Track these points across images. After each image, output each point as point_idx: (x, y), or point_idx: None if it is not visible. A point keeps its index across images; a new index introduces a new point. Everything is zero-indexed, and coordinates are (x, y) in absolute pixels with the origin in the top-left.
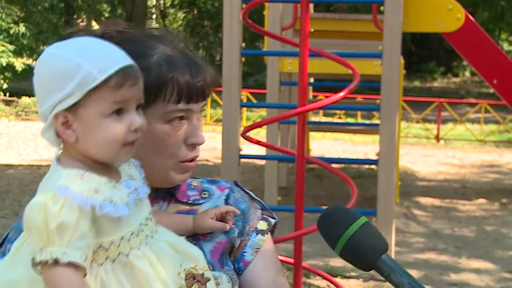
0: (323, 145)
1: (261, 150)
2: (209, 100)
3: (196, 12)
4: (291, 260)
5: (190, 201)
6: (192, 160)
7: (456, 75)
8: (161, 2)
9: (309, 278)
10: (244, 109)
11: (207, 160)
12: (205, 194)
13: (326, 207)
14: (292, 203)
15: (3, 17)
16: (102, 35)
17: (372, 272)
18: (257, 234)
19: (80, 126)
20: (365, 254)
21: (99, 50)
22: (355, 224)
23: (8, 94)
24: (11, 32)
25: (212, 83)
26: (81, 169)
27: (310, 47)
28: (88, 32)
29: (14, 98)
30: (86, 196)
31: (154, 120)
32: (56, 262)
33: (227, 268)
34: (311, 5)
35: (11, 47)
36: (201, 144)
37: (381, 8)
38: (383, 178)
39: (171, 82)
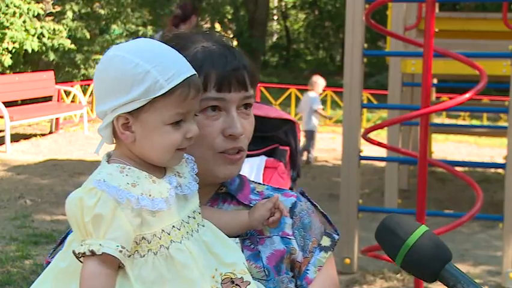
0: (446, 147)
1: (381, 152)
2: (328, 101)
3: (317, 13)
4: None
5: (251, 205)
6: (234, 152)
7: None
8: (283, 3)
9: (430, 284)
10: (364, 110)
11: (326, 161)
12: None
13: (387, 216)
14: (413, 206)
15: (134, 20)
16: (163, 37)
17: (499, 279)
18: (320, 251)
19: (140, 130)
20: (428, 264)
21: (167, 58)
22: (415, 233)
23: None
24: (140, 34)
25: (251, 74)
26: (123, 164)
27: (435, 47)
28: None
29: None
30: (123, 189)
31: None
32: (92, 254)
33: (284, 276)
34: (436, 4)
35: None
36: (239, 135)
37: None
38: (511, 182)
39: (202, 71)
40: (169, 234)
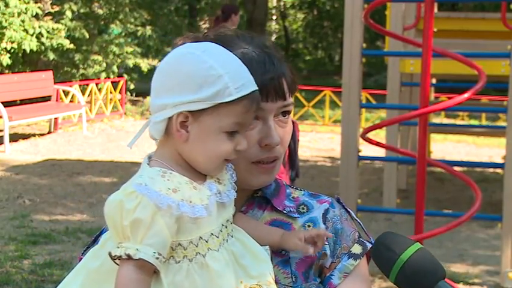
0: (445, 147)
1: (380, 152)
2: (327, 101)
3: (316, 13)
4: None
5: (285, 211)
6: (269, 162)
7: None
8: (282, 3)
9: None
10: (363, 110)
11: (324, 161)
12: (303, 208)
13: (383, 233)
14: (411, 205)
15: (132, 20)
16: (204, 37)
17: (497, 279)
18: (349, 258)
19: (196, 131)
20: (421, 281)
21: (240, 67)
22: (409, 249)
23: (134, 94)
24: (138, 34)
25: (290, 82)
26: (165, 168)
27: (434, 47)
28: (193, 37)
29: (140, 98)
30: (164, 194)
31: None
32: (129, 258)
33: (311, 283)
34: (435, 4)
35: (139, 49)
36: (275, 145)
37: (511, 6)
38: (509, 182)
39: None
40: (207, 241)
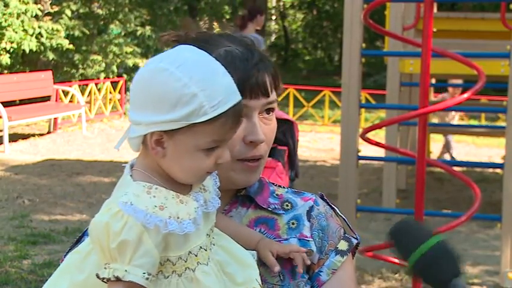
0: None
1: (379, 152)
2: (327, 101)
3: (315, 13)
4: None
5: (270, 209)
6: (253, 160)
7: None
8: (281, 3)
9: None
10: (363, 110)
11: (324, 161)
12: (287, 205)
13: (401, 221)
14: (411, 206)
15: (132, 20)
16: (185, 36)
17: (497, 279)
18: (336, 254)
19: (172, 149)
20: (437, 272)
21: (217, 82)
22: (433, 238)
23: None
24: (138, 34)
25: (274, 79)
26: (150, 182)
27: (433, 47)
28: (174, 35)
29: None
30: (151, 213)
31: None
32: (118, 279)
33: (299, 280)
34: (435, 4)
35: (138, 49)
36: (260, 142)
37: (511, 6)
38: (509, 182)
39: None
40: (196, 255)
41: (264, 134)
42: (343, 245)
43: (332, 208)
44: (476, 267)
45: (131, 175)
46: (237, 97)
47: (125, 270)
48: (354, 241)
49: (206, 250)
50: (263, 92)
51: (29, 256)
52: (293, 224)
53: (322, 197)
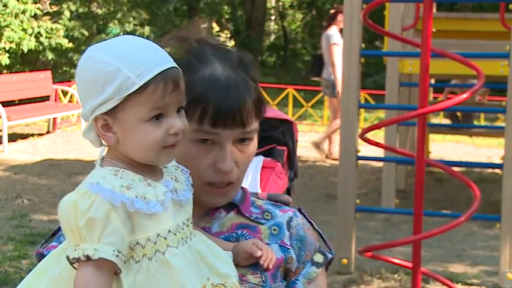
0: (443, 148)
1: (378, 152)
2: (326, 101)
3: (314, 13)
4: (410, 265)
5: (252, 218)
6: (222, 186)
7: None
8: (280, 3)
9: (428, 284)
10: (362, 110)
11: (323, 161)
12: (267, 215)
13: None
14: (410, 206)
15: (131, 20)
16: (184, 41)
17: (496, 279)
18: (312, 265)
19: (120, 129)
20: None
21: (139, 53)
22: None
23: None
24: (137, 34)
25: (256, 108)
26: (117, 167)
27: (432, 47)
28: (175, 37)
29: None
30: (117, 191)
31: (185, 138)
32: (88, 259)
33: (280, 284)
34: (434, 5)
35: None
36: (227, 172)
37: (510, 6)
38: (508, 182)
39: (202, 101)
40: (165, 238)
41: (237, 161)
42: (319, 258)
43: (310, 222)
44: (475, 268)
45: (100, 164)
46: (167, 64)
47: (95, 249)
48: (329, 255)
49: (176, 234)
50: (238, 124)
51: (28, 256)
52: (275, 230)
53: (300, 210)
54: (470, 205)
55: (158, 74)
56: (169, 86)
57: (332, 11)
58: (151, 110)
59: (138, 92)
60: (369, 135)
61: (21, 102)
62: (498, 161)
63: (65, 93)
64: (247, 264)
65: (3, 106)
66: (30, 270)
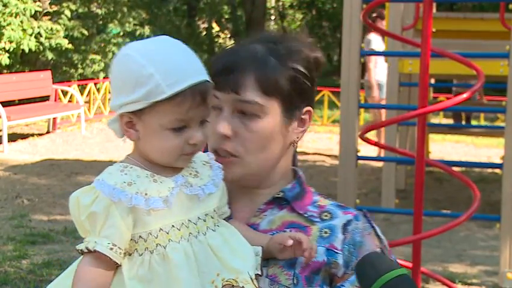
0: (443, 148)
1: (379, 152)
2: (326, 101)
3: (314, 12)
4: (409, 264)
5: (306, 215)
6: (225, 156)
7: None
8: (280, 3)
9: (427, 283)
10: (362, 110)
11: (323, 161)
12: (326, 215)
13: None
14: (410, 206)
15: (131, 19)
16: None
17: (496, 279)
18: None
19: (143, 129)
20: None
21: (174, 61)
22: (394, 271)
23: None
24: (137, 34)
25: (261, 81)
26: (130, 162)
27: (432, 47)
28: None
29: None
30: (118, 188)
31: None
32: (89, 251)
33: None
34: (434, 4)
35: None
36: (218, 134)
37: (510, 6)
38: (508, 182)
39: (212, 65)
40: (167, 233)
41: (239, 134)
42: None
43: (373, 227)
44: (475, 268)
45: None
46: (199, 77)
47: (95, 242)
48: None
49: (179, 230)
50: (231, 88)
51: (28, 256)
52: (326, 233)
53: (365, 215)
54: (470, 205)
55: (187, 87)
56: (196, 100)
57: (374, 15)
58: (175, 120)
59: (165, 101)
60: (369, 135)
61: (21, 102)
62: (498, 160)
63: (65, 93)
64: (283, 258)
65: (3, 106)
66: (30, 270)
